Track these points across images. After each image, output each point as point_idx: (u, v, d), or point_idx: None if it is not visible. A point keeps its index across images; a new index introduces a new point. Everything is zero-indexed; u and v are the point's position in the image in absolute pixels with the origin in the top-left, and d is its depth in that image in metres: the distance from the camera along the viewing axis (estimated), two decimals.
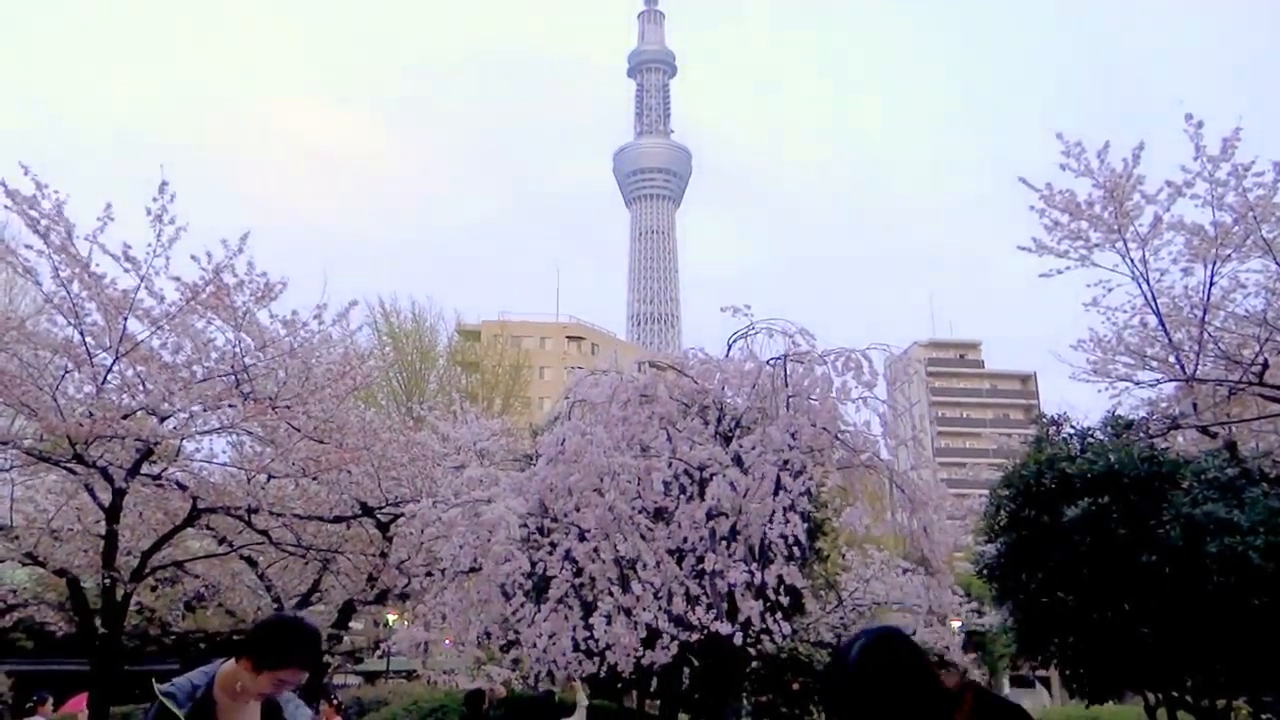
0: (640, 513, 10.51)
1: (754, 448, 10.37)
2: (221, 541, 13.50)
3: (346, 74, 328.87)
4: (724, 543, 10.26)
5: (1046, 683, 46.73)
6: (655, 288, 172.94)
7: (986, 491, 14.79)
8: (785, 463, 10.25)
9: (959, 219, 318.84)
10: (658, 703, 17.35)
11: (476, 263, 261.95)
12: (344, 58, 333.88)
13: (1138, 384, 14.74)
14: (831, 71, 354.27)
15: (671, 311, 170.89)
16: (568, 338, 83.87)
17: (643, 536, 10.18)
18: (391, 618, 22.02)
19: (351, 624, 17.63)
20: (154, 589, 15.83)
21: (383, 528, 14.27)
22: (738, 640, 9.76)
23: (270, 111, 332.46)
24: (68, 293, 11.01)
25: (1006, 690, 36.71)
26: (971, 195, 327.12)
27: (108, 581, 11.76)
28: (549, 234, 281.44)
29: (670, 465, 10.58)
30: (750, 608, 9.72)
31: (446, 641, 16.04)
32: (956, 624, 22.21)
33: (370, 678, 31.67)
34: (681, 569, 10.58)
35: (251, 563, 14.54)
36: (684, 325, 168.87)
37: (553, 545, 10.45)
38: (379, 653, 17.47)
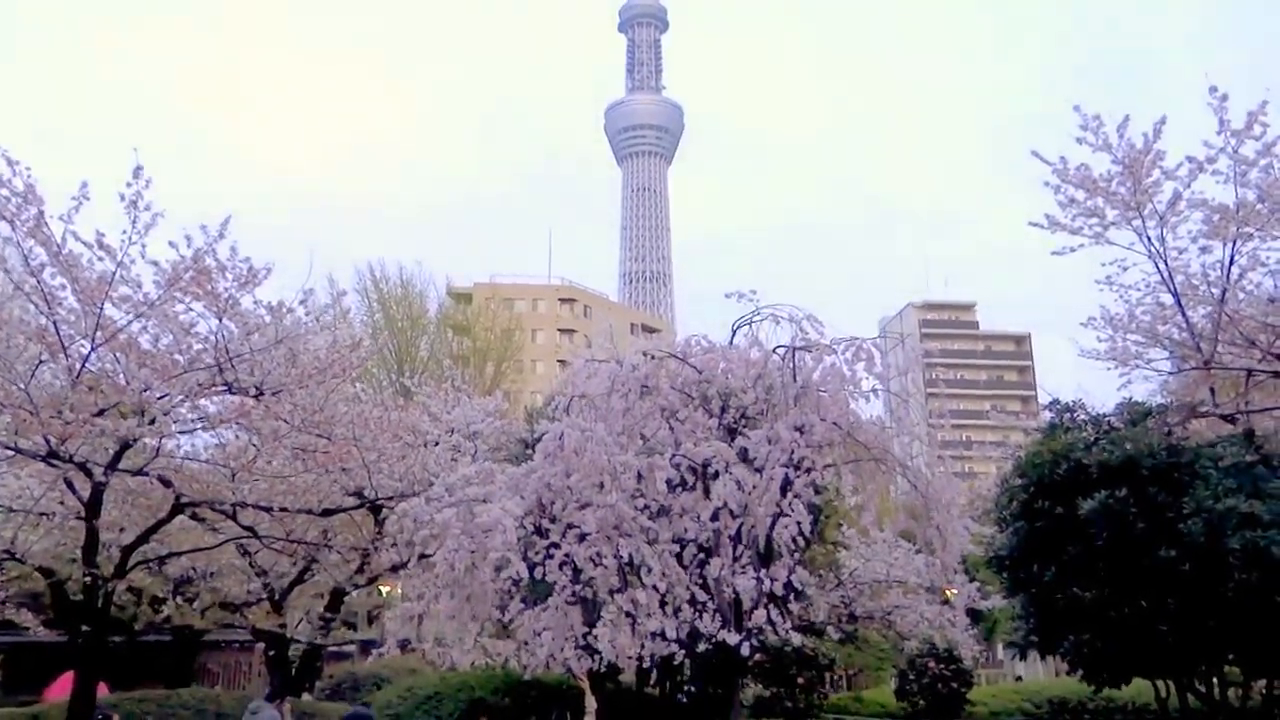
0: (643, 510, 10.10)
1: (761, 444, 9.93)
2: (210, 531, 13.04)
3: (332, 20, 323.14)
4: (731, 543, 9.86)
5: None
6: (647, 246, 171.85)
7: (983, 461, 14.38)
8: (794, 463, 9.83)
9: (955, 180, 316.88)
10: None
11: (465, 225, 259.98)
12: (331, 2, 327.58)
13: (1148, 365, 14.33)
14: (824, 36, 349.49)
15: (663, 270, 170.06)
16: (560, 300, 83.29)
17: (647, 540, 9.76)
18: (386, 590, 21.71)
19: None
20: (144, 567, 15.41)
21: (375, 510, 13.75)
22: (745, 651, 9.38)
23: (249, 59, 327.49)
24: (39, 281, 10.41)
25: (1001, 657, 36.70)
26: (967, 157, 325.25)
27: (88, 579, 11.33)
28: (540, 195, 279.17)
29: (674, 462, 10.15)
30: (759, 616, 9.34)
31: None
32: (951, 593, 21.94)
33: (365, 647, 31.53)
34: (683, 563, 10.19)
35: (242, 551, 14.12)
36: (676, 285, 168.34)
37: (552, 547, 10.04)
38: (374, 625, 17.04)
